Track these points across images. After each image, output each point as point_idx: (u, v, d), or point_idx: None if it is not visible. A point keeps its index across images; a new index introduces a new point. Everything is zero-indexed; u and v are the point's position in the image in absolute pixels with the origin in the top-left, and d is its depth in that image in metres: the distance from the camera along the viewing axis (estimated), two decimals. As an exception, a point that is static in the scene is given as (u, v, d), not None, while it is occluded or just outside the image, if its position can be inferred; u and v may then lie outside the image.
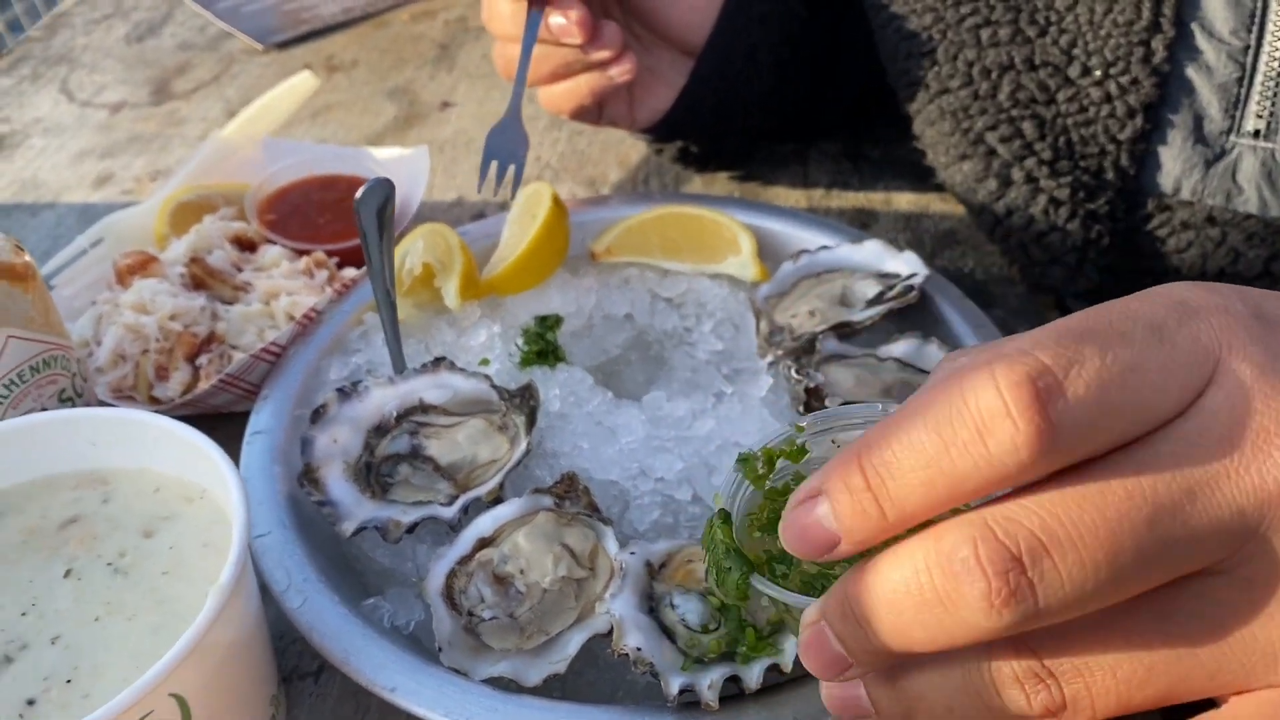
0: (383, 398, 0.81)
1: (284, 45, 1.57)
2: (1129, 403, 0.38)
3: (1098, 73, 0.87)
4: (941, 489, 0.39)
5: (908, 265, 0.91)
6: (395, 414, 0.81)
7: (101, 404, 0.88)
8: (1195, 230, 0.88)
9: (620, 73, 0.98)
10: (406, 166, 1.12)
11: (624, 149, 1.28)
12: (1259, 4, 0.80)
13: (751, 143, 1.20)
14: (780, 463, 0.55)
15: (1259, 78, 0.82)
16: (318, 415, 0.79)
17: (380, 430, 0.80)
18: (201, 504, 0.69)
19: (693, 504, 0.78)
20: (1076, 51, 0.87)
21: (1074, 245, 0.91)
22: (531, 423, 0.79)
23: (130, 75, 1.52)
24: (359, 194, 0.80)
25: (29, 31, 1.67)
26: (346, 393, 0.80)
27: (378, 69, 1.49)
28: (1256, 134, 0.84)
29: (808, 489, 0.43)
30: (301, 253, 1.02)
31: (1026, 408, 0.37)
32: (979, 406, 0.38)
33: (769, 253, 0.99)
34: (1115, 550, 0.37)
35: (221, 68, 1.52)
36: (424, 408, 0.81)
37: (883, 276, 0.91)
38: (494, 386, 0.81)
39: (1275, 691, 0.40)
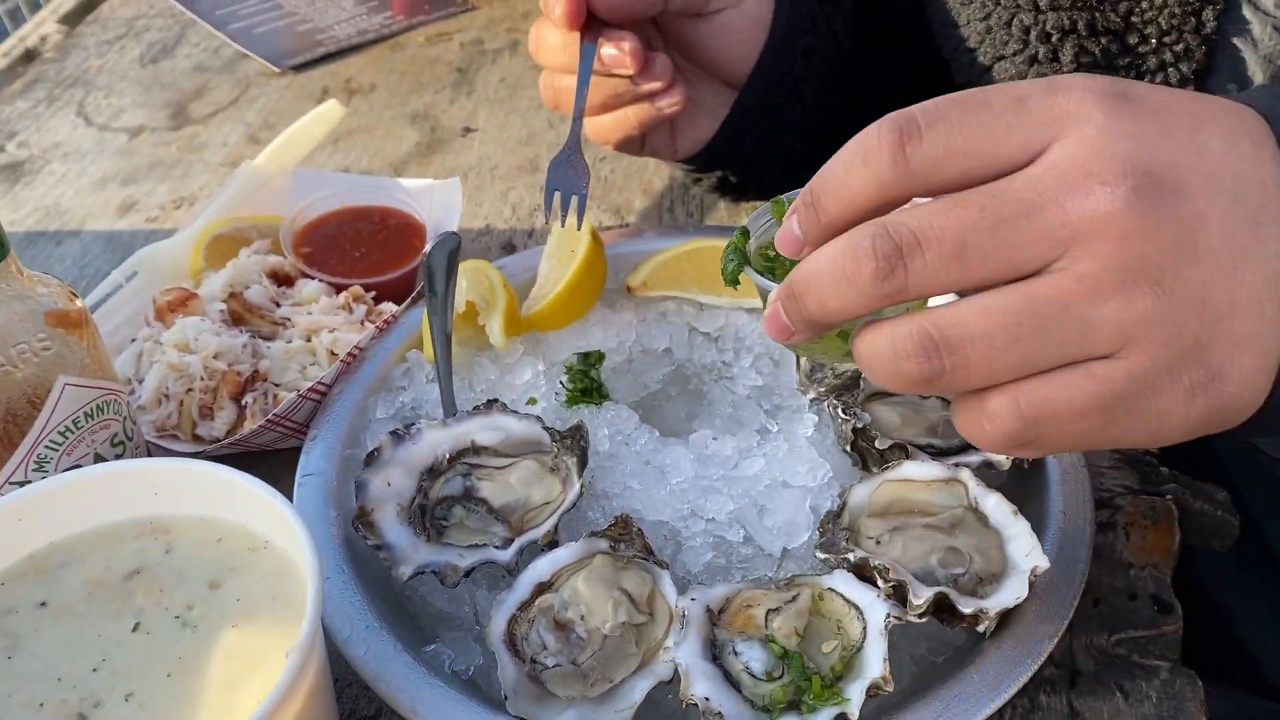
0: (435, 439, 0.81)
1: (300, 68, 1.57)
2: (976, 148, 0.53)
3: (1154, 41, 0.90)
4: (846, 201, 0.56)
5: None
6: (448, 455, 0.81)
7: (149, 444, 0.88)
8: None
9: (670, 104, 0.98)
10: (439, 198, 1.12)
11: (648, 176, 1.28)
12: None
13: (794, 173, 1.20)
14: None
15: None
16: (371, 458, 0.80)
17: (433, 472, 0.81)
18: (266, 553, 0.69)
19: (744, 545, 0.79)
20: (1134, 19, 0.90)
21: None
22: (583, 464, 0.80)
23: (147, 98, 1.52)
24: (429, 247, 0.81)
25: (42, 52, 1.66)
26: (400, 435, 0.81)
27: (397, 92, 1.49)
28: None
29: (789, 210, 0.60)
30: (338, 287, 1.02)
31: (890, 143, 0.54)
32: (865, 144, 0.55)
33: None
34: (963, 245, 0.52)
35: (239, 90, 1.52)
36: (476, 449, 0.82)
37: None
38: (545, 428, 0.82)
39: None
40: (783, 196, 0.72)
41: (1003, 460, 0.79)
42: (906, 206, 0.55)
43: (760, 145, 1.07)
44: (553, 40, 0.96)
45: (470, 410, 0.83)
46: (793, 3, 1.02)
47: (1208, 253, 0.51)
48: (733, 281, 0.69)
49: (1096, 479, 0.84)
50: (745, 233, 0.71)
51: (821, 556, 0.74)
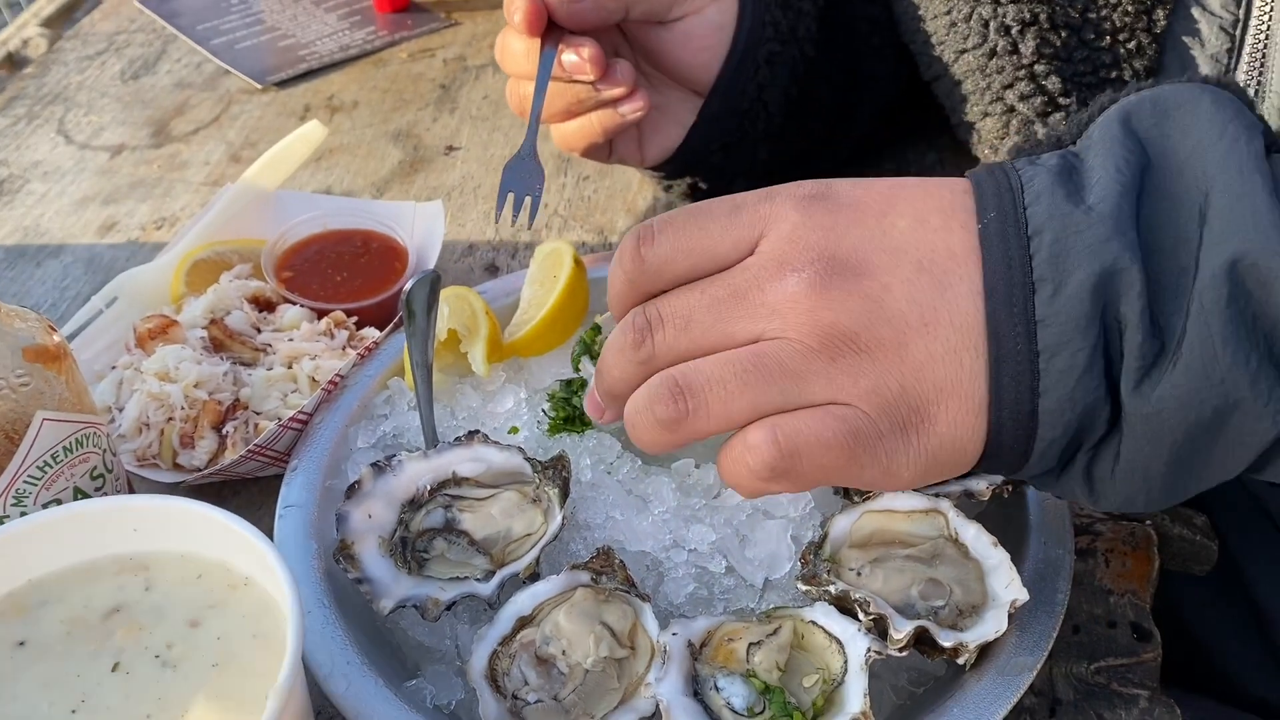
0: (416, 471, 0.81)
1: (282, 84, 1.56)
2: (697, 246, 0.64)
3: (1108, 38, 0.94)
4: (615, 291, 0.68)
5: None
6: (429, 487, 0.81)
7: (129, 474, 0.88)
8: None
9: (632, 110, 0.99)
10: (421, 221, 1.12)
11: (630, 195, 1.28)
12: None
13: (761, 179, 1.21)
14: None
15: (1245, 50, 0.89)
16: (353, 490, 0.80)
17: (414, 504, 0.81)
18: (246, 591, 0.69)
19: (726, 576, 0.79)
20: (1091, 15, 0.93)
21: None
22: (565, 495, 0.80)
23: (128, 115, 1.51)
24: (411, 284, 0.82)
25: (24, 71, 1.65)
26: (381, 467, 0.81)
27: (379, 110, 1.49)
28: None
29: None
30: (320, 313, 1.02)
31: (630, 246, 0.65)
32: (619, 249, 0.66)
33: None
34: (690, 321, 0.63)
35: (221, 107, 1.52)
36: (457, 480, 0.82)
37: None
38: (527, 459, 0.82)
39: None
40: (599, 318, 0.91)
41: (981, 488, 0.79)
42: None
43: (725, 153, 1.09)
44: (515, 47, 0.98)
45: (452, 441, 0.83)
46: (755, 10, 1.03)
47: (896, 315, 0.59)
48: (574, 367, 0.88)
49: (1076, 506, 0.85)
50: (596, 328, 0.88)
51: (803, 588, 0.74)
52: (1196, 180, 0.58)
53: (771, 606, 0.75)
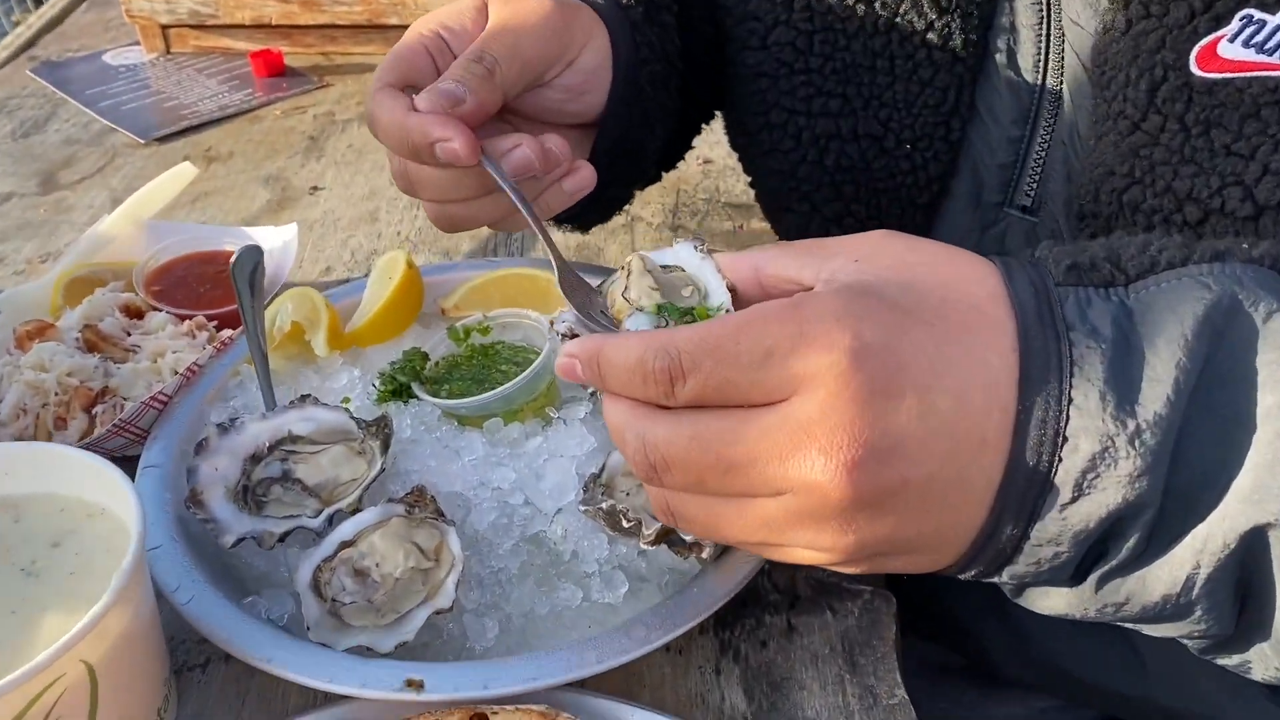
0: (257, 431, 0.95)
1: (164, 139, 1.70)
2: (723, 397, 0.61)
3: (908, 146, 1.00)
4: (624, 390, 0.65)
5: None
6: (268, 444, 0.95)
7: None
8: None
9: (581, 184, 0.98)
10: (278, 242, 1.26)
11: (476, 223, 1.44)
12: (1034, 101, 0.95)
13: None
14: None
15: (1030, 161, 0.96)
16: (200, 447, 0.93)
17: (255, 459, 0.94)
18: (102, 519, 0.82)
19: (524, 506, 0.93)
20: (893, 125, 1.00)
21: None
22: (386, 447, 0.94)
23: (18, 168, 1.64)
24: (233, 259, 0.96)
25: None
26: (225, 427, 0.94)
27: (252, 159, 1.64)
28: (1024, 209, 0.98)
29: (569, 349, 0.69)
30: (184, 318, 1.15)
31: (659, 382, 0.62)
32: (645, 368, 0.62)
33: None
34: (701, 480, 0.63)
35: (106, 160, 1.65)
36: (293, 438, 0.96)
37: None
38: (353, 418, 0.96)
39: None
40: (457, 325, 1.07)
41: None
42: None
43: (624, 183, 1.12)
44: (438, 178, 0.93)
45: (287, 404, 0.97)
46: (632, 39, 1.01)
47: (911, 507, 0.60)
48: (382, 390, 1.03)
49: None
50: (424, 355, 1.04)
51: (583, 509, 0.89)
52: (1243, 409, 0.57)
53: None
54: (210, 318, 1.16)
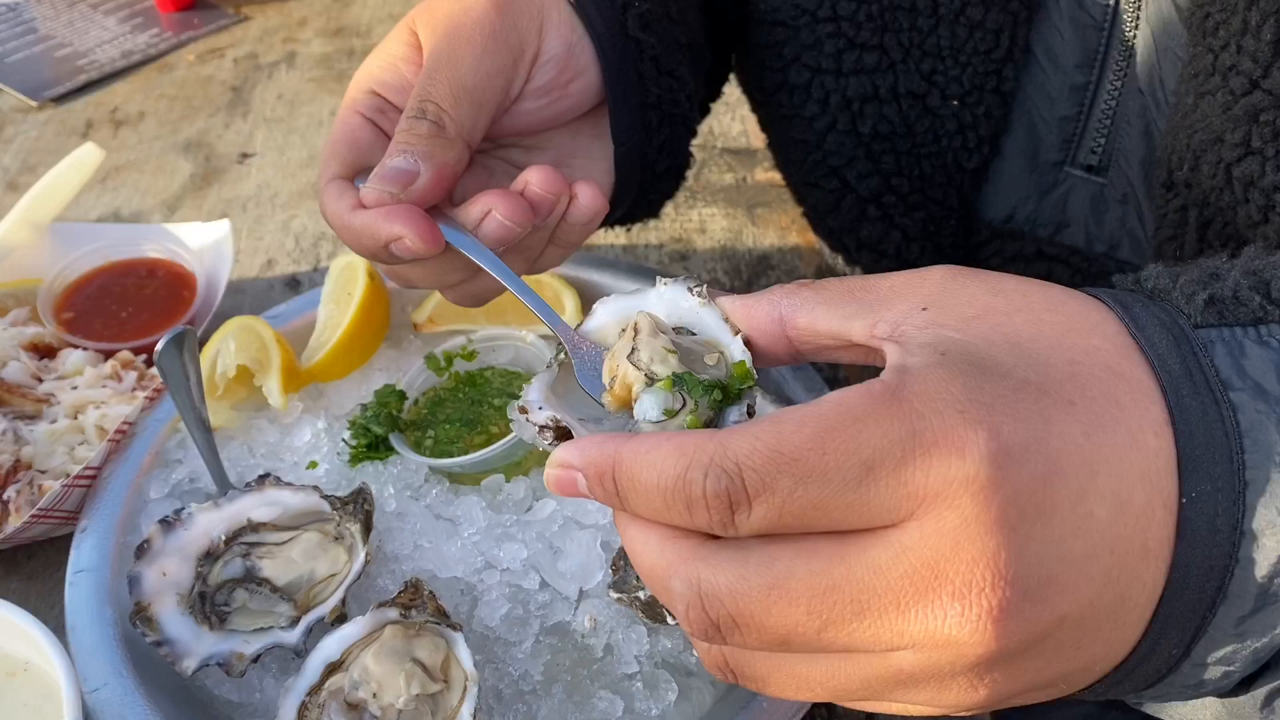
0: (208, 522, 0.78)
1: (60, 99, 1.47)
2: (806, 524, 0.44)
3: (955, 102, 0.85)
4: (653, 515, 0.47)
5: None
6: (224, 537, 0.78)
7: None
8: (1024, 263, 0.90)
9: (591, 207, 0.74)
10: (210, 243, 1.07)
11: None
12: (1103, 42, 0.81)
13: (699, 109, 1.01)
14: None
15: (1096, 113, 0.83)
16: (142, 550, 0.76)
17: (210, 556, 0.78)
18: (26, 677, 0.66)
19: (541, 591, 0.79)
20: (937, 78, 0.85)
21: None
22: (368, 529, 0.78)
23: (-110, 146, 1.41)
24: (158, 348, 0.78)
25: None
26: (170, 522, 0.78)
27: (167, 120, 1.42)
28: (1089, 169, 0.86)
29: (565, 459, 0.50)
30: (106, 354, 0.97)
31: (715, 509, 0.44)
32: (690, 492, 0.45)
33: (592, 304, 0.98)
34: (786, 642, 0.45)
35: (-7, 130, 1.43)
36: (254, 526, 0.79)
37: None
38: (324, 496, 0.80)
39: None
40: (437, 351, 0.92)
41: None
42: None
43: (671, 150, 0.87)
44: (424, 270, 0.74)
45: (243, 487, 0.80)
46: (610, 32, 0.80)
47: (1065, 650, 0.46)
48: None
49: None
50: (401, 395, 0.88)
51: (614, 596, 0.74)
52: None
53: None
54: (137, 351, 0.97)
